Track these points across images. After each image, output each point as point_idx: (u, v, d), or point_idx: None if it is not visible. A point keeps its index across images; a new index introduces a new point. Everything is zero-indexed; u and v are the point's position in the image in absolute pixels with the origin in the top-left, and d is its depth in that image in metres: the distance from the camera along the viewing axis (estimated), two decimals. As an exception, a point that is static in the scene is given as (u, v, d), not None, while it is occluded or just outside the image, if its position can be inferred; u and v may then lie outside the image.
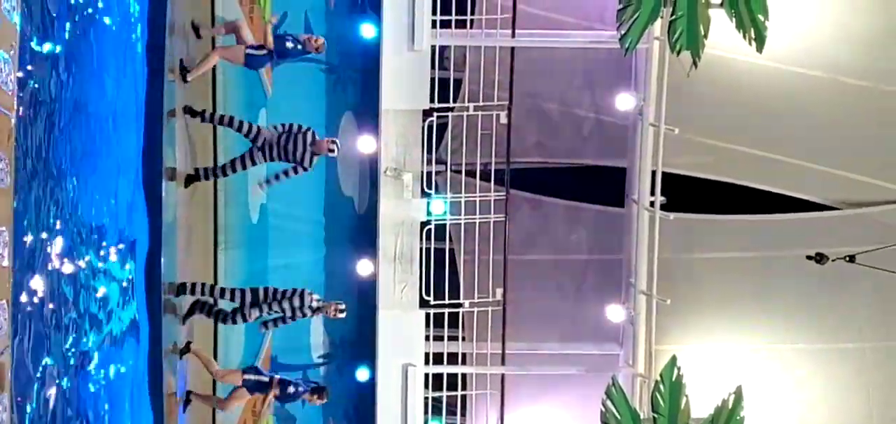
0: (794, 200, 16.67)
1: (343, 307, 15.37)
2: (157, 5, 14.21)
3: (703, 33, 14.14)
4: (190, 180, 15.23)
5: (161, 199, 14.35)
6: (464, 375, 16.35)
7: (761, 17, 14.00)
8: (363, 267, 16.24)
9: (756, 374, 16.32)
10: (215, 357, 16.78)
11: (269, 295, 15.29)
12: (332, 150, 15.10)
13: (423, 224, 15.95)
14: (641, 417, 13.98)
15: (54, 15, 11.21)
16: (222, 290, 15.48)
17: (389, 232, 15.87)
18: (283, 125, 15.15)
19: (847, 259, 14.39)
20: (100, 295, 12.86)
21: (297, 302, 15.21)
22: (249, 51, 15.23)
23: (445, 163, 16.32)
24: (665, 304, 15.38)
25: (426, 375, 16.04)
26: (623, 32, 14.27)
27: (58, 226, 11.34)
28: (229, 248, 17.05)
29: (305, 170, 15.14)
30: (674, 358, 13.77)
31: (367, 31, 16.18)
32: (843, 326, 16.51)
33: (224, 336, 16.99)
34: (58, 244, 11.34)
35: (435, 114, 15.80)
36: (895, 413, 16.60)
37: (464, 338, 16.44)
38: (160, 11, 14.17)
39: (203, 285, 15.47)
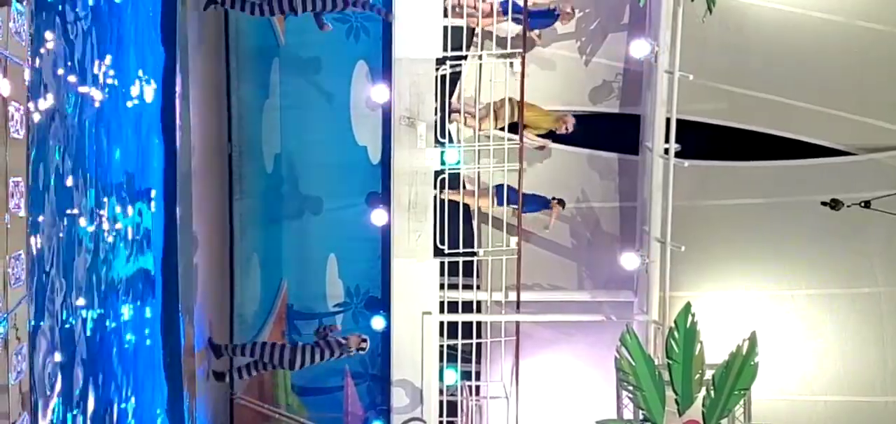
0: (809, 146, 16.60)
1: (365, 339, 15.56)
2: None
3: (718, -22, 14.06)
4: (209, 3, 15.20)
5: (177, 149, 14.39)
6: (479, 323, 16.40)
7: (777, -38, 13.90)
8: (377, 216, 16.26)
9: (770, 320, 16.35)
10: (231, 306, 16.92)
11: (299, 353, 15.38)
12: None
13: (437, 173, 15.95)
14: (656, 364, 14.00)
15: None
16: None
17: (403, 181, 15.86)
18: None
19: (862, 204, 14.38)
20: (115, 245, 12.93)
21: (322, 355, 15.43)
22: None
23: (459, 112, 16.28)
24: (679, 251, 15.36)
25: (441, 323, 16.10)
26: (637, -22, 14.20)
27: (72, 177, 11.38)
28: (245, 198, 17.12)
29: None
30: (688, 305, 13.76)
31: (380, -21, 16.11)
32: (858, 272, 16.50)
33: (240, 285, 17.10)
34: (72, 194, 11.38)
35: (448, 62, 15.75)
36: (910, 358, 16.64)
37: (479, 287, 16.47)
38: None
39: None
